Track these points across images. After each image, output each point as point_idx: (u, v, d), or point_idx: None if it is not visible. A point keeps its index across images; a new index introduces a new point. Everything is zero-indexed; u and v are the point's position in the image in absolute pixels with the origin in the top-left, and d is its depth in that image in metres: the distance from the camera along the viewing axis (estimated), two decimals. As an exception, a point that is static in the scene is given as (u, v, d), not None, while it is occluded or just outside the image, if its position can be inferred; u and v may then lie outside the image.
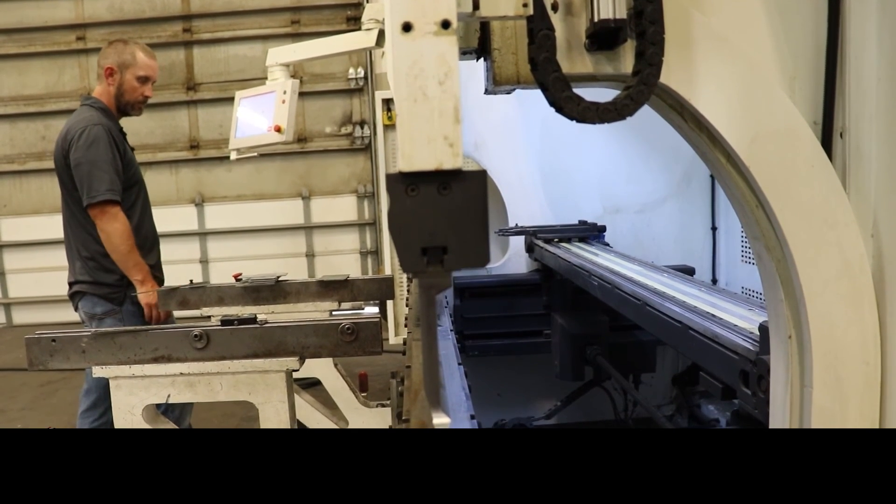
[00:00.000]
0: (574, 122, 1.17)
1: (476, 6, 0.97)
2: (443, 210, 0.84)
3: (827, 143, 1.28)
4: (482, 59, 1.30)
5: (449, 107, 0.83)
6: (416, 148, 0.83)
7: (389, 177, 0.84)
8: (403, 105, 0.83)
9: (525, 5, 1.00)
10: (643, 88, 1.15)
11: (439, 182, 0.84)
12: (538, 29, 1.11)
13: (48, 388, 5.71)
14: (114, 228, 3.03)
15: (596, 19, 1.15)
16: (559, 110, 1.16)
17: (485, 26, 1.25)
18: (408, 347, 1.95)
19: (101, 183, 3.00)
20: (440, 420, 0.94)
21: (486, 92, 1.34)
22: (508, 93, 1.33)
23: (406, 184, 0.84)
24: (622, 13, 1.14)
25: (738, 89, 1.23)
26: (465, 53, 1.30)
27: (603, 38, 1.19)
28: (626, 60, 1.21)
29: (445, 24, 0.83)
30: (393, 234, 0.85)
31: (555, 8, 1.16)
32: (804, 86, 1.29)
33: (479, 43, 1.28)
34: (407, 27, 0.82)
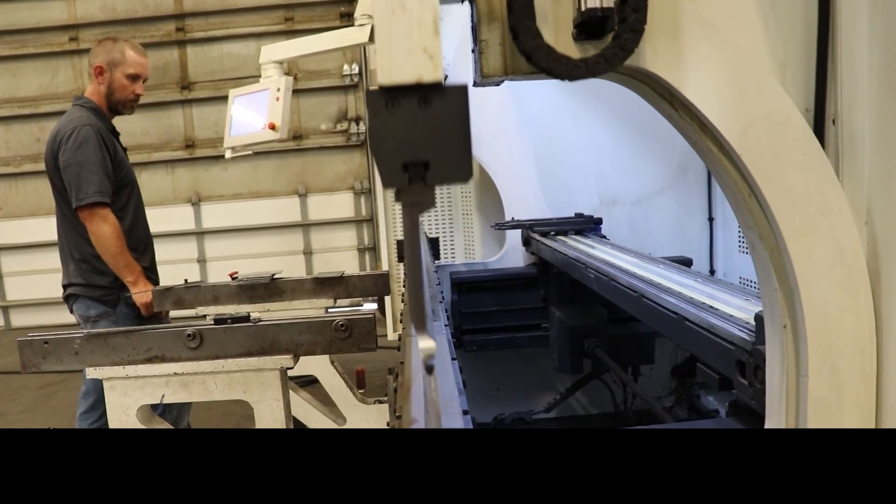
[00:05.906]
0: (545, 77, 1.17)
1: None
2: (424, 125, 0.82)
3: (819, 130, 1.26)
4: (467, 1, 1.27)
5: (428, 18, 0.81)
6: (395, 60, 0.81)
7: (370, 93, 0.83)
8: (382, 18, 0.82)
9: None
10: (618, 52, 1.14)
11: (420, 96, 0.82)
12: None
13: (48, 391, 5.70)
14: (103, 230, 3.01)
15: (583, 8, 1.14)
16: (529, 60, 1.16)
17: None
18: (402, 343, 1.94)
19: (90, 185, 2.97)
20: (425, 344, 0.91)
21: (475, 84, 1.32)
22: (497, 85, 1.32)
23: (386, 98, 0.82)
24: (609, 2, 1.13)
25: (728, 77, 1.21)
26: None
27: (590, 27, 1.17)
28: (615, 50, 1.19)
29: None
30: (374, 150, 0.83)
31: None
32: (796, 73, 1.27)
33: None
34: None
